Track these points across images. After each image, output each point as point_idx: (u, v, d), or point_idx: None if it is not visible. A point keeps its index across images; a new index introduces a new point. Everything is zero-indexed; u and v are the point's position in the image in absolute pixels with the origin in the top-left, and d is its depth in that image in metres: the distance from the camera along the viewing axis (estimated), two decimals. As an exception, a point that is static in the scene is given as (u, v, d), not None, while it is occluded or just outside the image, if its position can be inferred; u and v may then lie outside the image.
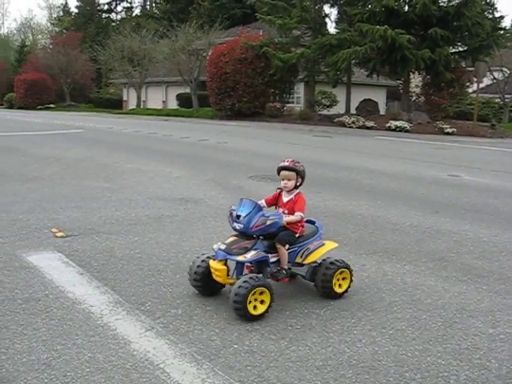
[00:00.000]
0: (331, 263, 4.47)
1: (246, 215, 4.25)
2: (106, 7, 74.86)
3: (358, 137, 22.31)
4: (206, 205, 7.80)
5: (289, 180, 4.52)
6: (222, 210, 7.45)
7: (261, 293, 4.05)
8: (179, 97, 41.00)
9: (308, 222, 4.71)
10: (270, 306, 4.10)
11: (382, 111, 34.51)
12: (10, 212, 7.09)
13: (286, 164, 4.53)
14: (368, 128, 25.79)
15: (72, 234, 6.07)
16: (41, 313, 4.02)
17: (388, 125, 25.57)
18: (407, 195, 9.11)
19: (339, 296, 4.48)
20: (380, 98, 36.89)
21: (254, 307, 4.03)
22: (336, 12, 37.04)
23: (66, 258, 5.23)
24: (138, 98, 44.31)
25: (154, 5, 73.80)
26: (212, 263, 4.24)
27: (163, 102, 44.86)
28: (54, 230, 6.24)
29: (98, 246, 5.63)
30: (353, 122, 26.41)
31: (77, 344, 3.57)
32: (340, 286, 4.50)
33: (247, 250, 4.19)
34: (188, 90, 38.79)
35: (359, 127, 26.01)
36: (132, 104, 46.45)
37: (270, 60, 28.21)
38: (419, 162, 14.07)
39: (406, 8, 26.44)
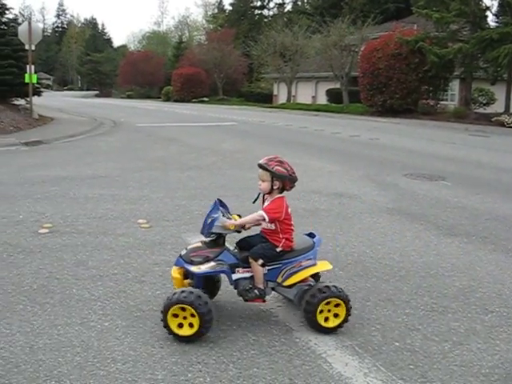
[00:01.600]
0: (321, 289, 3.66)
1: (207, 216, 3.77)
2: (258, 4, 76.45)
3: (519, 137, 21.01)
4: (360, 200, 7.74)
5: (262, 181, 3.75)
6: (378, 206, 7.38)
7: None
8: (329, 92, 40.94)
9: (308, 234, 4.01)
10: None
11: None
12: (173, 198, 7.51)
13: (260, 161, 3.74)
14: (530, 128, 24.16)
15: (233, 222, 6.29)
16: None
17: (554, 125, 23.77)
18: None
19: (328, 331, 3.68)
20: (544, 96, 34.34)
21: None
22: (497, 4, 34.80)
23: (227, 244, 5.45)
24: (289, 92, 44.85)
25: (305, 0, 74.25)
26: (172, 269, 3.78)
27: (312, 97, 45.05)
28: (214, 216, 6.51)
29: (258, 235, 5.80)
30: (513, 122, 24.86)
31: (241, 326, 3.71)
32: (327, 319, 3.69)
33: (206, 261, 3.64)
34: (338, 86, 38.63)
35: (520, 127, 24.44)
36: (282, 99, 47.11)
37: (425, 55, 27.28)
38: None
39: None
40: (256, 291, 3.70)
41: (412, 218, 6.82)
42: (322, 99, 42.16)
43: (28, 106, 21.46)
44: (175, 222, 6.25)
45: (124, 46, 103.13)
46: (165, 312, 3.46)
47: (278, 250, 3.74)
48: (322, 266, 3.84)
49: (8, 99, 22.23)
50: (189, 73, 53.08)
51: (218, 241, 3.72)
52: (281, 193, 3.78)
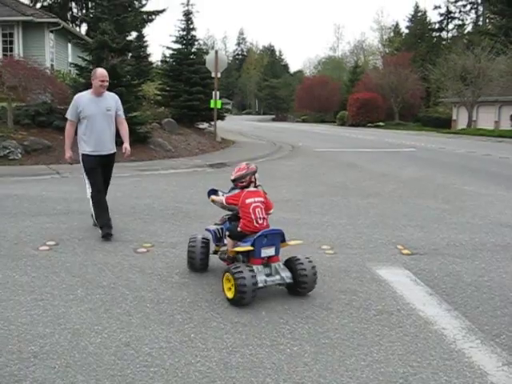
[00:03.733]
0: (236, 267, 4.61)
1: None
2: (436, 26, 74.53)
3: None
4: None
5: None
6: None
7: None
8: (514, 117, 38.63)
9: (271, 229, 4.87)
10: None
11: None
12: (355, 225, 7.50)
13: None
14: None
15: (417, 253, 6.15)
16: (395, 327, 4.15)
17: None
18: None
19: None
20: None
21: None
22: None
23: (413, 275, 5.32)
24: (469, 117, 42.95)
25: (487, 21, 70.90)
26: None
27: (495, 122, 42.69)
28: (399, 246, 6.40)
29: (445, 268, 5.60)
30: None
31: (432, 365, 3.58)
32: (230, 289, 4.61)
33: (215, 224, 5.51)
34: (524, 110, 36.38)
35: None
36: (461, 124, 45.22)
37: None
38: None
39: None
40: (225, 255, 5.17)
41: None
42: (506, 124, 39.79)
43: (212, 129, 22.79)
44: (359, 251, 6.23)
45: (300, 72, 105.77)
46: None
47: (238, 229, 4.92)
48: (241, 249, 4.81)
49: (195, 123, 23.78)
50: (365, 97, 52.95)
51: (226, 217, 5.33)
52: (242, 189, 5.02)
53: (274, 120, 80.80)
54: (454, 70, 42.67)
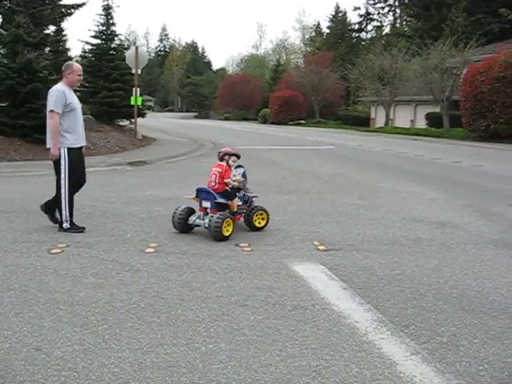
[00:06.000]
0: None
1: None
2: (356, 27, 76.44)
3: None
4: (464, 231, 7.49)
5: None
6: (483, 237, 7.12)
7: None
8: (428, 116, 40.02)
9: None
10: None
11: None
12: (273, 222, 7.57)
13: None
14: None
15: (333, 249, 6.29)
16: (309, 321, 4.22)
17: None
18: None
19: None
20: None
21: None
22: None
23: (328, 271, 5.44)
24: (387, 116, 44.24)
25: (404, 23, 73.32)
26: None
27: (411, 121, 44.19)
28: (315, 242, 6.53)
29: (359, 263, 5.75)
30: None
31: (344, 357, 3.67)
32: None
33: None
34: (438, 110, 37.72)
35: None
36: (379, 122, 46.55)
37: (534, 79, 26.17)
38: None
39: None
40: None
41: (521, 251, 6.53)
42: (421, 123, 41.29)
43: (132, 126, 22.45)
44: (276, 247, 6.30)
45: (223, 69, 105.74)
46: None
47: None
48: (190, 196, 7.19)
49: (114, 120, 23.35)
50: (286, 95, 53.59)
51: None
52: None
53: (196, 117, 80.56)
54: (372, 70, 43.84)
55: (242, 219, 7.07)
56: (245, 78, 71.80)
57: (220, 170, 6.79)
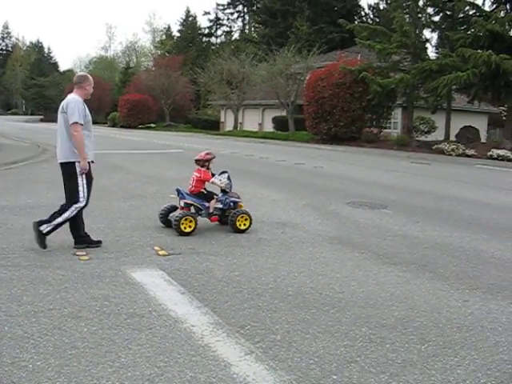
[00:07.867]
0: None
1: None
2: (206, 31, 77.29)
3: (458, 165, 21.66)
4: (303, 230, 7.80)
5: None
6: (320, 235, 7.44)
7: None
8: (275, 120, 41.34)
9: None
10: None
11: (483, 139, 33.26)
12: (114, 228, 7.39)
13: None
14: (468, 156, 24.88)
15: (173, 253, 6.25)
16: (144, 329, 4.15)
17: (490, 153, 24.56)
18: (512, 229, 8.70)
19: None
20: (481, 125, 35.55)
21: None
22: (437, 37, 36.15)
23: (167, 276, 5.39)
24: (235, 119, 45.10)
25: (252, 29, 75.35)
26: None
27: (259, 124, 45.40)
28: (156, 247, 6.45)
29: (199, 266, 5.76)
30: (452, 150, 25.57)
31: (179, 363, 3.65)
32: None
33: None
34: (284, 114, 39.08)
35: (459, 155, 25.16)
36: (229, 125, 47.32)
37: (368, 85, 27.95)
38: (524, 193, 13.45)
39: (512, 32, 25.55)
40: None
41: (353, 247, 6.91)
42: (269, 127, 42.54)
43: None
44: (115, 254, 6.14)
45: (70, 71, 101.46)
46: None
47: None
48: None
49: None
50: (135, 99, 52.85)
51: None
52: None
53: (42, 121, 76.74)
54: (221, 74, 44.47)
55: (221, 221, 7.76)
56: (93, 80, 69.42)
57: (199, 175, 7.54)
